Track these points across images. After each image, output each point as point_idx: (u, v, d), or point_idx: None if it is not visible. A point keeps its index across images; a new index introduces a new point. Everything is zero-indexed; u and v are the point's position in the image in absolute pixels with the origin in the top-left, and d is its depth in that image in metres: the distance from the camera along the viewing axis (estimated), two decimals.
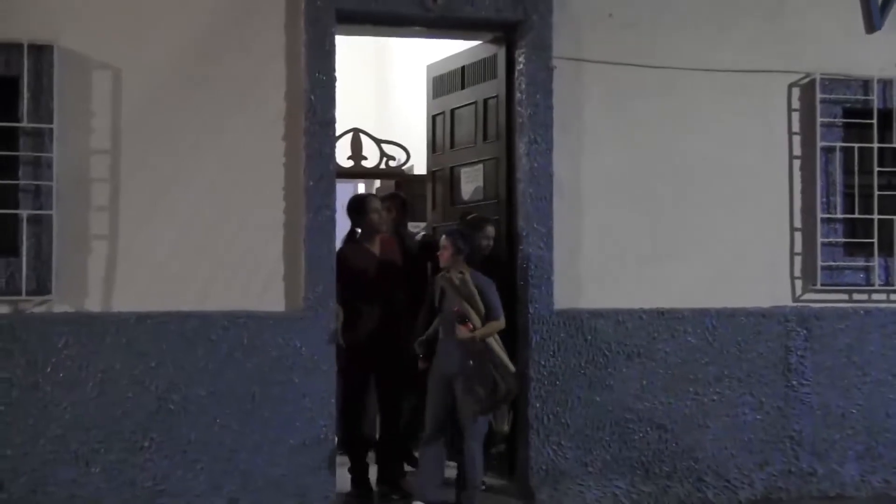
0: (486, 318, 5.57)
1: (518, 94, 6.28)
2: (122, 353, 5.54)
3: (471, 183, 6.85)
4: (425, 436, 5.76)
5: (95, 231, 5.63)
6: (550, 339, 6.07)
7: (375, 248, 6.17)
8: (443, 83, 7.15)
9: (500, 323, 5.61)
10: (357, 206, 6.22)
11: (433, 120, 7.28)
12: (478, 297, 5.58)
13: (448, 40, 6.86)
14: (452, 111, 7.03)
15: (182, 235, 5.71)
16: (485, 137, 6.66)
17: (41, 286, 5.48)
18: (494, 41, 6.46)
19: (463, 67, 6.86)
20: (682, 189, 6.46)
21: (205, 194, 5.76)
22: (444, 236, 5.79)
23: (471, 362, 5.54)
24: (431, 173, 7.33)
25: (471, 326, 5.51)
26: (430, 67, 7.31)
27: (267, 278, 5.83)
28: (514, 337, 6.15)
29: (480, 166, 6.72)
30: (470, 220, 6.18)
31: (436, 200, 7.29)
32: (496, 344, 5.58)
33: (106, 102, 5.67)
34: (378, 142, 7.55)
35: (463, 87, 6.90)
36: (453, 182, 7.04)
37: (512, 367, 5.59)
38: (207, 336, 5.65)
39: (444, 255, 5.70)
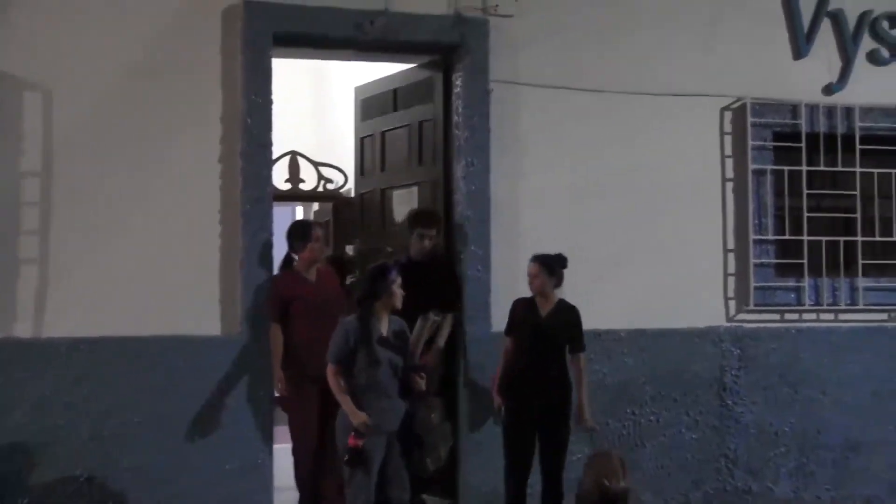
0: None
1: (455, 117, 6.40)
2: (54, 380, 5.54)
3: (404, 205, 6.90)
4: None
5: (25, 255, 5.63)
6: (488, 360, 6.09)
7: (311, 277, 6.00)
8: (372, 105, 7.22)
9: None
10: (301, 233, 5.99)
11: (361, 142, 7.33)
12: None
13: (385, 63, 6.94)
14: (383, 133, 7.09)
15: (116, 259, 5.71)
16: (419, 160, 6.74)
17: None
18: (431, 64, 6.58)
19: (395, 90, 6.95)
20: (617, 211, 6.59)
21: (139, 217, 5.77)
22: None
23: (433, 416, 5.14)
24: (360, 196, 7.39)
25: (422, 375, 5.13)
26: (358, 90, 7.39)
27: (203, 302, 5.86)
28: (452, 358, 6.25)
29: (415, 189, 6.79)
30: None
31: (364, 223, 7.34)
32: None
33: (37, 124, 5.68)
34: (316, 164, 7.64)
35: (395, 110, 6.97)
36: (384, 204, 7.08)
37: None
38: (143, 361, 5.67)
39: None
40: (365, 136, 7.27)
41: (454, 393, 6.24)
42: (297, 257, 6.00)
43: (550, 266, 5.68)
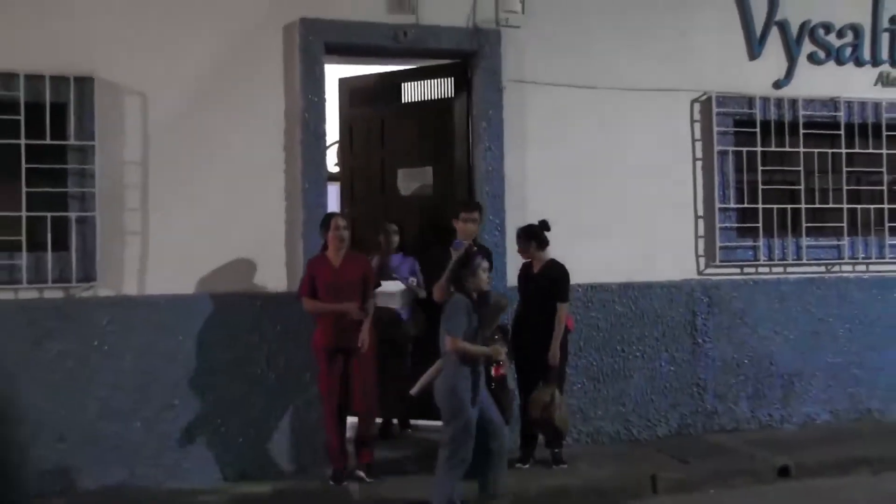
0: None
1: (475, 110, 6.83)
2: (155, 329, 6.00)
3: (412, 181, 7.25)
4: (467, 456, 5.15)
5: (130, 228, 6.05)
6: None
7: (336, 262, 6.02)
8: (366, 95, 7.47)
9: None
10: (325, 223, 6.07)
11: (350, 125, 7.57)
12: None
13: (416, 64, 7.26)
14: (382, 119, 7.37)
15: (202, 230, 6.10)
16: (434, 143, 7.13)
17: (87, 274, 5.92)
18: (451, 66, 7.06)
19: (398, 84, 7.31)
20: (607, 186, 7.03)
21: (220, 196, 6.16)
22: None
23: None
24: (349, 170, 7.61)
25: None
26: (342, 81, 7.60)
27: (271, 264, 6.25)
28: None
29: (429, 168, 7.16)
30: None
31: (354, 194, 7.58)
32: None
33: (137, 122, 6.07)
34: None
35: (400, 100, 7.31)
36: (384, 179, 7.35)
37: None
38: (223, 314, 6.10)
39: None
40: (355, 120, 7.52)
41: None
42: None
43: (524, 235, 6.16)
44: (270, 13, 6.35)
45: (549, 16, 6.96)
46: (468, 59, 6.92)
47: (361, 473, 6.07)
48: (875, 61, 7.87)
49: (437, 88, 7.21)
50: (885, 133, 7.78)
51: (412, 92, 7.33)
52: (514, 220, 6.64)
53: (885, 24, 7.88)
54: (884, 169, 7.77)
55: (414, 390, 5.45)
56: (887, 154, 7.78)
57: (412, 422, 7.35)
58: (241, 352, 6.15)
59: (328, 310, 5.95)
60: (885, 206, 7.77)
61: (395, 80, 7.38)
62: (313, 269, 6.03)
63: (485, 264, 5.30)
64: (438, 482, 5.20)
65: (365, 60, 7.17)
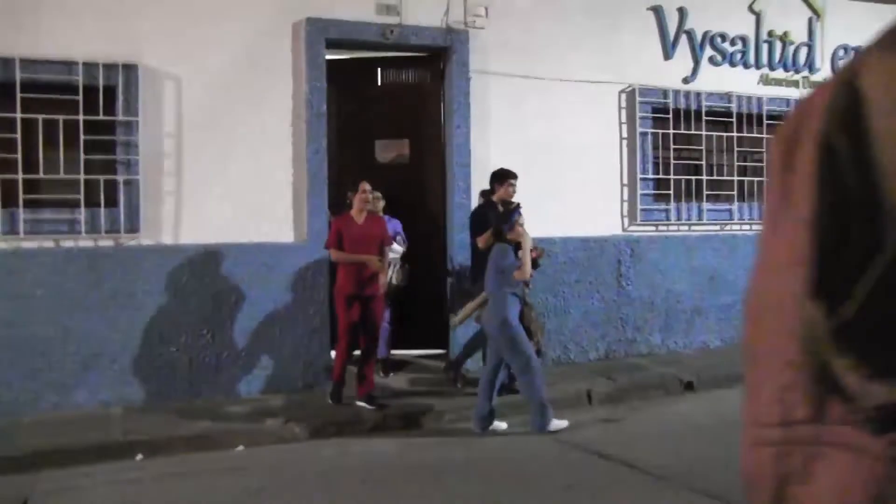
0: None
1: (447, 95, 7.90)
2: (188, 273, 6.91)
3: (389, 151, 8.25)
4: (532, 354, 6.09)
5: (167, 189, 6.96)
6: (468, 261, 7.54)
7: (360, 220, 6.66)
8: (348, 78, 8.14)
9: None
10: (353, 187, 6.81)
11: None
12: None
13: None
14: (365, 100, 8.25)
15: (225, 191, 7.00)
16: (412, 121, 8.19)
17: (133, 227, 6.84)
18: (428, 58, 8.14)
19: (379, 70, 8.29)
20: (554, 159, 8.07)
21: (240, 164, 7.06)
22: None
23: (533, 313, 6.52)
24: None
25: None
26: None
27: (281, 220, 7.20)
28: (442, 263, 7.81)
29: (406, 140, 8.20)
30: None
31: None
32: None
33: (173, 102, 6.94)
34: None
35: (379, 84, 8.30)
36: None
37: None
38: (242, 260, 7.02)
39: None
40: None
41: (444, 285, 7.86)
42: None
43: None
44: (282, 13, 7.30)
45: (508, 20, 8.00)
46: (442, 53, 7.95)
47: (363, 404, 6.71)
48: (758, 65, 9.16)
49: (416, 75, 8.18)
50: (765, 121, 8.99)
51: (396, 77, 8.26)
52: (478, 186, 7.65)
53: (764, 36, 9.24)
54: (764, 150, 8.86)
55: (456, 320, 6.52)
56: (767, 138, 8.83)
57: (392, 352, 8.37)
58: (257, 291, 7.06)
59: (353, 260, 6.66)
60: (766, 178, 8.95)
61: (374, 65, 8.28)
62: (340, 225, 6.68)
63: (522, 219, 6.20)
64: (527, 384, 6.11)
65: (357, 52, 8.12)
